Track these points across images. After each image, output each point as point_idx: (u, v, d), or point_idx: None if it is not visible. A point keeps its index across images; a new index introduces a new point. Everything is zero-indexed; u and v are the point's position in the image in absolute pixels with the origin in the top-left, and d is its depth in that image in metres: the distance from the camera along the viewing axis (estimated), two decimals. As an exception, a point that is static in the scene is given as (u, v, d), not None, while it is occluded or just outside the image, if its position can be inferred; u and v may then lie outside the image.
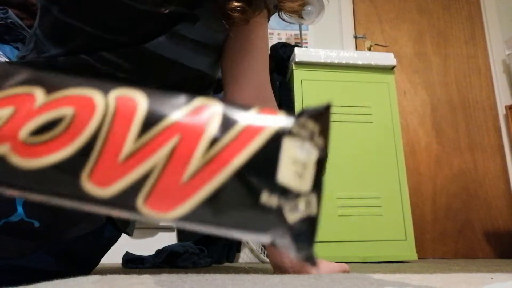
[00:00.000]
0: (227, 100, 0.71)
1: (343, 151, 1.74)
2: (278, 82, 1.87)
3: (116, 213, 0.17)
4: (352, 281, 0.38)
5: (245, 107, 0.18)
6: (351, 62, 1.87)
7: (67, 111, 0.17)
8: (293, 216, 0.18)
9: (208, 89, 0.72)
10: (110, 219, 0.61)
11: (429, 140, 2.55)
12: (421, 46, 2.72)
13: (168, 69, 0.63)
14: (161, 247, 1.40)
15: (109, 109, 0.17)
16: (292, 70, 1.86)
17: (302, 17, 2.37)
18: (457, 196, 2.48)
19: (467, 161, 2.55)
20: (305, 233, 0.18)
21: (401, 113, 2.57)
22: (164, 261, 1.28)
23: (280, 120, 0.18)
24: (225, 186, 0.17)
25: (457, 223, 2.43)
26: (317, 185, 0.19)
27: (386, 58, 1.90)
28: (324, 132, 0.18)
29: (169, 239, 1.65)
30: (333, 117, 1.81)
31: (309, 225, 0.19)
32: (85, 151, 0.17)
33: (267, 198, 0.17)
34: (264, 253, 1.71)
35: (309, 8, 2.36)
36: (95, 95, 0.17)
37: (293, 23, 1.96)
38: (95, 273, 0.57)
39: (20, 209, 0.46)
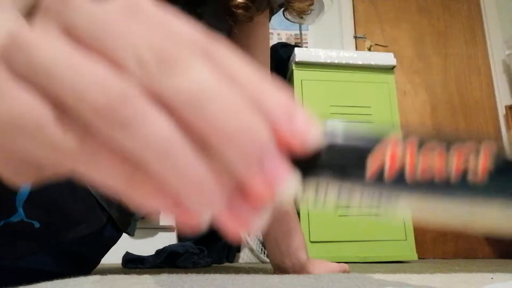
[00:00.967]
0: None
1: (343, 151, 1.74)
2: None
3: None
4: (352, 281, 0.38)
5: None
6: (351, 62, 1.87)
7: None
8: None
9: None
10: (110, 219, 0.61)
11: (429, 140, 2.55)
12: (421, 46, 2.72)
13: None
14: (161, 247, 1.40)
15: None
16: (292, 70, 1.86)
17: (302, 17, 2.37)
18: (457, 196, 2.48)
19: (467, 161, 2.54)
20: None
21: (401, 113, 2.56)
22: (164, 261, 1.28)
23: None
24: None
25: (457, 223, 2.43)
26: None
27: (386, 58, 1.90)
28: None
29: (169, 239, 1.65)
30: (333, 117, 1.81)
31: None
32: None
33: None
34: (264, 253, 1.71)
35: (309, 8, 2.37)
36: None
37: (294, 22, 1.97)
38: (95, 273, 0.57)
39: (20, 210, 0.46)
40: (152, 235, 1.65)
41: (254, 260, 1.72)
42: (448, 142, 0.17)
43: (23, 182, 0.14)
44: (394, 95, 1.88)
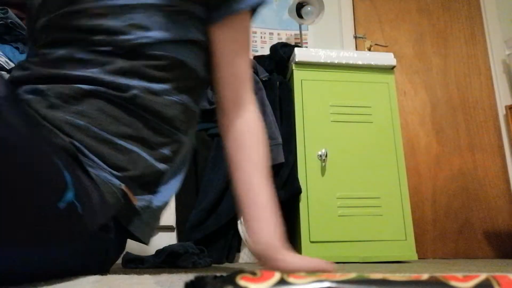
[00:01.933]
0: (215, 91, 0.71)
1: (343, 151, 1.74)
2: (278, 82, 1.87)
3: None
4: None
5: None
6: (351, 62, 1.87)
7: None
8: None
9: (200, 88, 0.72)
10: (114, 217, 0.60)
11: (429, 140, 2.55)
12: (421, 46, 2.72)
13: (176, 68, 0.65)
14: (161, 247, 1.40)
15: None
16: (292, 70, 1.86)
17: (302, 17, 2.37)
18: (457, 196, 2.48)
19: (467, 161, 2.55)
20: None
21: (401, 113, 2.57)
22: (164, 261, 1.28)
23: None
24: None
25: (457, 223, 2.43)
26: None
27: (386, 58, 1.90)
28: None
29: (169, 239, 1.65)
30: (333, 117, 1.81)
31: None
32: None
33: None
34: (264, 253, 1.71)
35: (309, 8, 2.36)
36: None
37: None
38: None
39: (71, 192, 0.44)
40: (152, 235, 1.65)
41: (254, 260, 1.73)
42: None
43: None
44: (394, 95, 1.88)
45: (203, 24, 0.68)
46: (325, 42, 2.62)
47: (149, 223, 0.66)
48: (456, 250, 2.38)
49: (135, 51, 0.61)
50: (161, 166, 0.66)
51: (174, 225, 1.66)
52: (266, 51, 2.48)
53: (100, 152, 0.58)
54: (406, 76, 2.62)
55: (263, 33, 2.58)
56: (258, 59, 2.14)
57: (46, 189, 0.40)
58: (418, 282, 0.24)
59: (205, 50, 0.70)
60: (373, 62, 1.88)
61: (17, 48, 1.42)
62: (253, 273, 0.27)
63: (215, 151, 1.69)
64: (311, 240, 1.60)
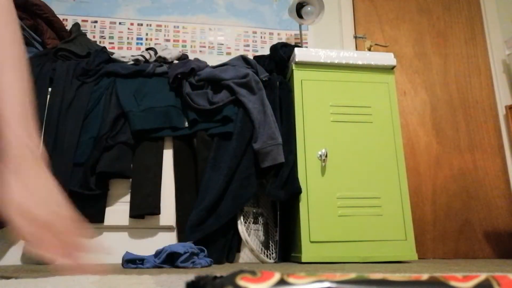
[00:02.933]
0: None
1: (343, 151, 1.74)
2: (278, 82, 1.87)
3: None
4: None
5: None
6: (351, 62, 1.87)
7: None
8: None
9: None
10: None
11: (429, 140, 2.55)
12: (421, 46, 2.72)
13: None
14: (161, 247, 1.40)
15: None
16: (292, 70, 1.86)
17: (302, 17, 2.37)
18: (457, 196, 2.48)
19: (467, 161, 2.55)
20: None
21: (401, 113, 2.57)
22: (164, 261, 1.28)
23: None
24: None
25: (457, 223, 2.43)
26: None
27: (386, 58, 1.90)
28: None
29: (169, 239, 1.65)
30: (333, 117, 1.81)
31: None
32: None
33: None
34: (264, 253, 1.71)
35: (309, 8, 2.36)
36: None
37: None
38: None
39: None
40: (152, 235, 1.64)
41: (254, 260, 1.72)
42: None
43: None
44: (394, 95, 1.88)
45: None
46: (325, 42, 2.62)
47: None
48: (456, 250, 2.38)
49: None
50: None
51: (174, 225, 1.66)
52: (266, 51, 2.48)
53: None
54: (406, 76, 2.62)
55: (263, 33, 2.58)
56: (258, 59, 2.14)
57: None
58: (418, 282, 0.24)
59: None
60: (373, 62, 1.88)
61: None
62: (253, 273, 0.27)
63: (215, 151, 1.69)
64: (311, 240, 1.60)
